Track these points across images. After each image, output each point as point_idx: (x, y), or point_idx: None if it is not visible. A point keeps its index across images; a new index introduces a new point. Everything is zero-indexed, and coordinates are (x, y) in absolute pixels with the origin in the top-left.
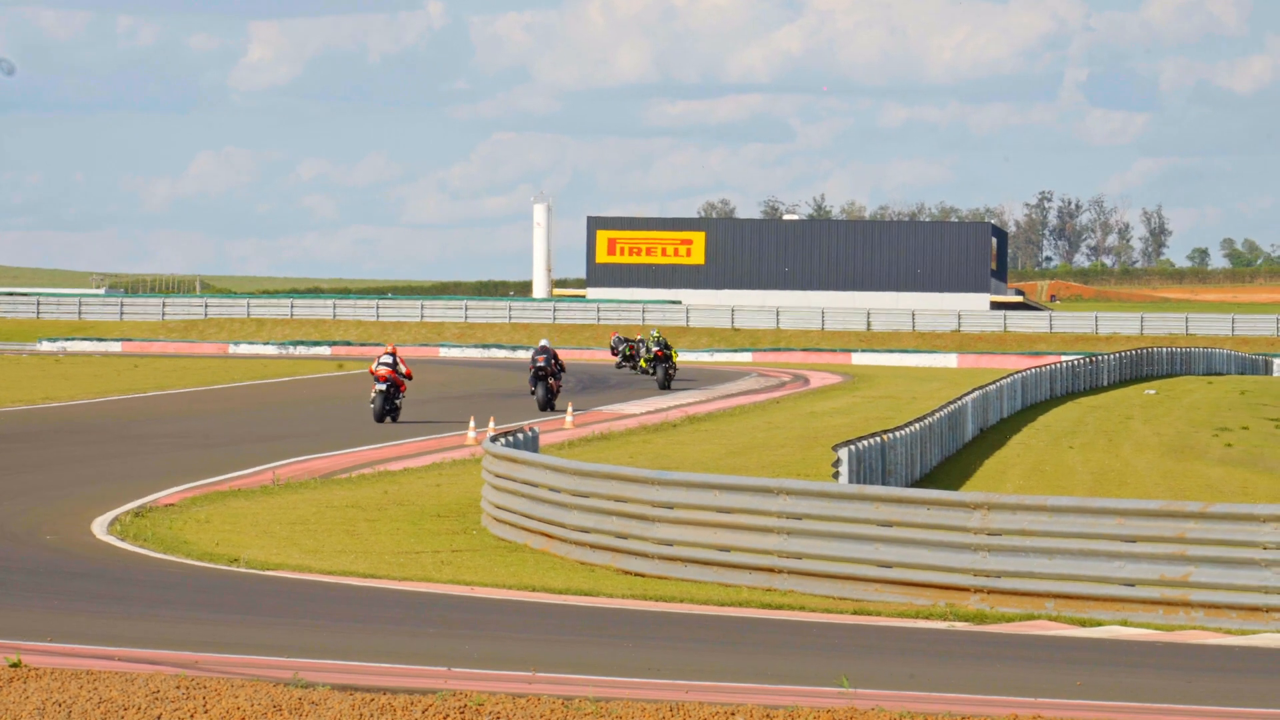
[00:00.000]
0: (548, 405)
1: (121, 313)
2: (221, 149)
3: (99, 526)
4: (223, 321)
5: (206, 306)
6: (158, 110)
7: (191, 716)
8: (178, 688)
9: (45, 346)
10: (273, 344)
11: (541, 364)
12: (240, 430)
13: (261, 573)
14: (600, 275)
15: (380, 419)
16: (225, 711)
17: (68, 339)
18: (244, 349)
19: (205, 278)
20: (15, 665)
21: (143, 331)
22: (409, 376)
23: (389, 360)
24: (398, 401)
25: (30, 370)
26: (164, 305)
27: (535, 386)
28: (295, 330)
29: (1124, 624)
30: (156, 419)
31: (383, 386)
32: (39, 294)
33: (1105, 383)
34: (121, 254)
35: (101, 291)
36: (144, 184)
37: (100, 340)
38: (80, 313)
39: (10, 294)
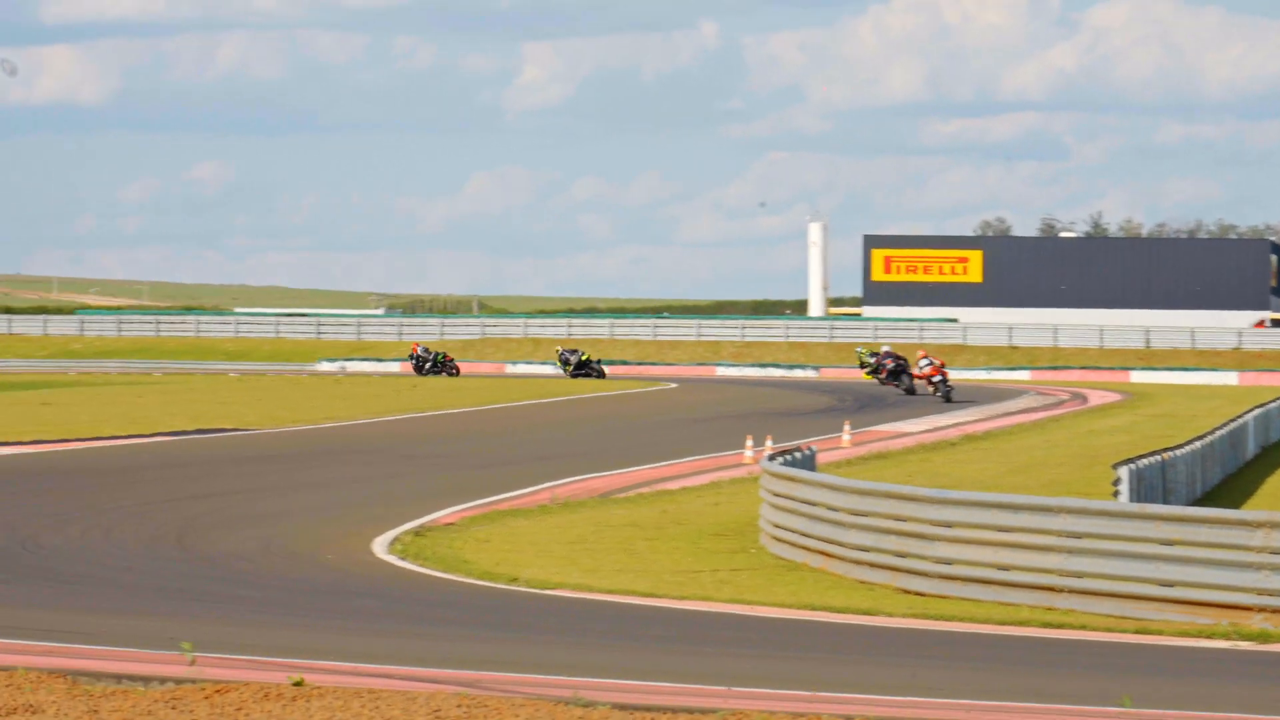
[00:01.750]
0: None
1: (400, 333)
2: (497, 169)
3: (379, 546)
4: (499, 341)
5: (484, 326)
6: (434, 131)
7: None
8: (459, 706)
9: (325, 367)
10: (550, 363)
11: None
12: (518, 450)
13: (541, 592)
14: (876, 293)
15: None
16: None
17: (347, 359)
18: (521, 368)
19: (482, 298)
20: (298, 684)
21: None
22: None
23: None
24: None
25: (311, 390)
26: (442, 325)
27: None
28: (564, 348)
29: None
30: (435, 439)
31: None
32: (319, 314)
33: None
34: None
35: (380, 312)
36: (420, 204)
37: (379, 360)
38: (359, 333)
39: (290, 315)
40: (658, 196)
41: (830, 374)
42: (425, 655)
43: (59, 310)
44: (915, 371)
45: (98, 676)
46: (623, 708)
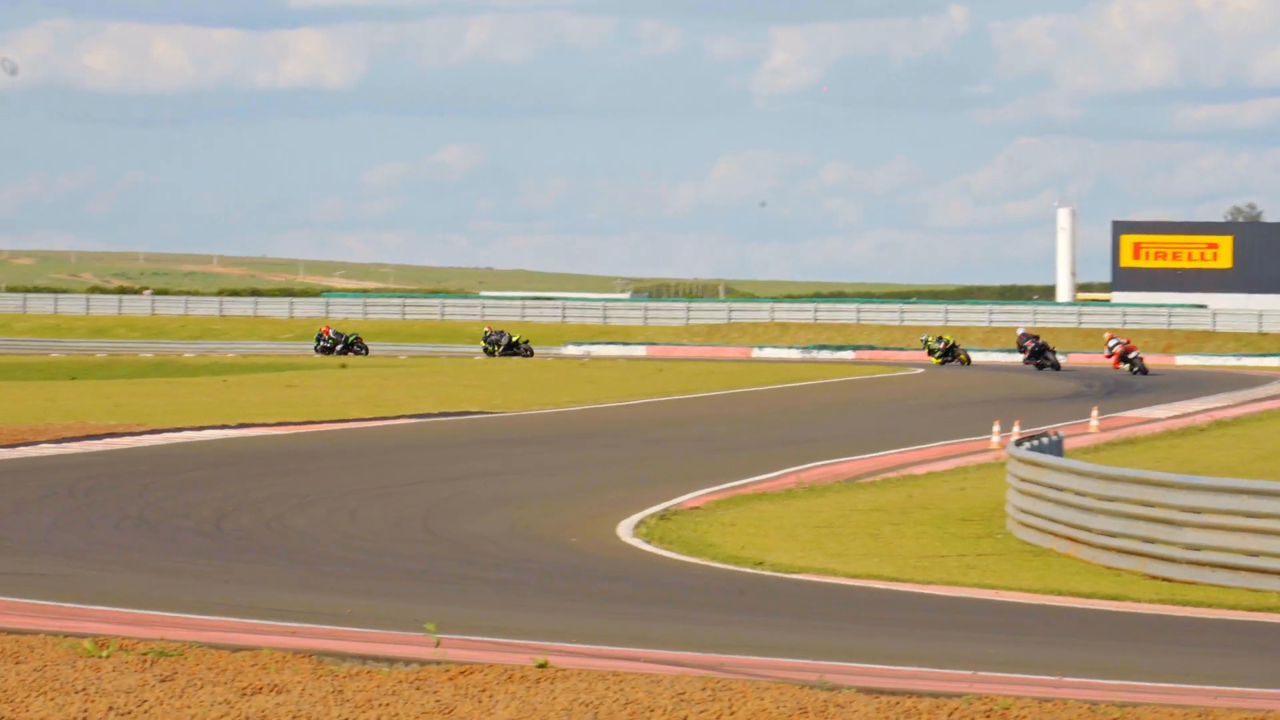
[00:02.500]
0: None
1: (645, 317)
2: (744, 152)
3: (624, 529)
4: (746, 325)
5: (730, 311)
6: (681, 115)
7: (717, 718)
8: (703, 689)
9: (570, 350)
10: (796, 348)
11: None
12: (764, 434)
13: (786, 576)
14: (1125, 279)
15: None
16: (751, 714)
17: (592, 343)
18: (767, 353)
19: (728, 282)
20: (542, 666)
21: (666, 335)
22: None
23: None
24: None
25: (556, 374)
26: (688, 309)
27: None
28: (818, 334)
29: None
30: (680, 423)
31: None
32: (564, 298)
33: None
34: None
35: (626, 295)
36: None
37: (624, 344)
38: (605, 316)
39: (536, 298)
40: (905, 181)
41: (1077, 360)
42: (670, 638)
43: (305, 293)
44: (1105, 353)
45: (343, 657)
46: (868, 691)
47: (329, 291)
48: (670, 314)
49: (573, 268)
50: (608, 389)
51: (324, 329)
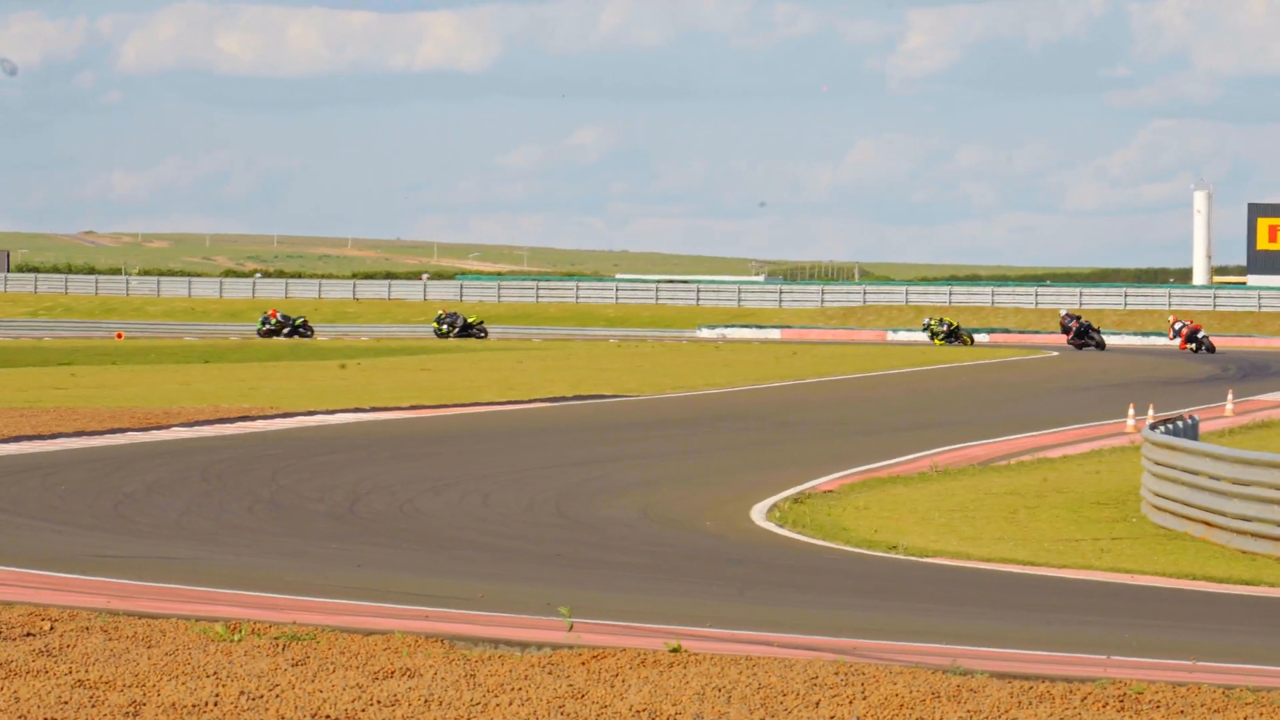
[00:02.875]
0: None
1: (780, 300)
2: (881, 136)
3: (758, 513)
4: (881, 309)
5: (865, 293)
6: (817, 98)
7: (850, 702)
8: (836, 674)
9: (705, 333)
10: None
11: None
12: (897, 417)
13: (919, 559)
14: (1261, 262)
15: None
16: (884, 698)
17: (727, 326)
18: (902, 336)
19: (864, 265)
20: (675, 650)
21: (801, 319)
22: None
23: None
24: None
25: (691, 357)
26: (823, 292)
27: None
28: (953, 317)
29: None
30: (814, 406)
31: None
32: (699, 281)
33: None
34: (780, 240)
35: (761, 279)
36: (804, 171)
37: (759, 327)
38: (739, 300)
39: (671, 281)
40: (1042, 164)
41: (1214, 343)
42: (802, 622)
43: (439, 275)
44: (1169, 335)
45: (475, 641)
46: (1001, 676)
47: (463, 274)
48: (805, 297)
49: (708, 250)
50: (742, 372)
51: (272, 312)
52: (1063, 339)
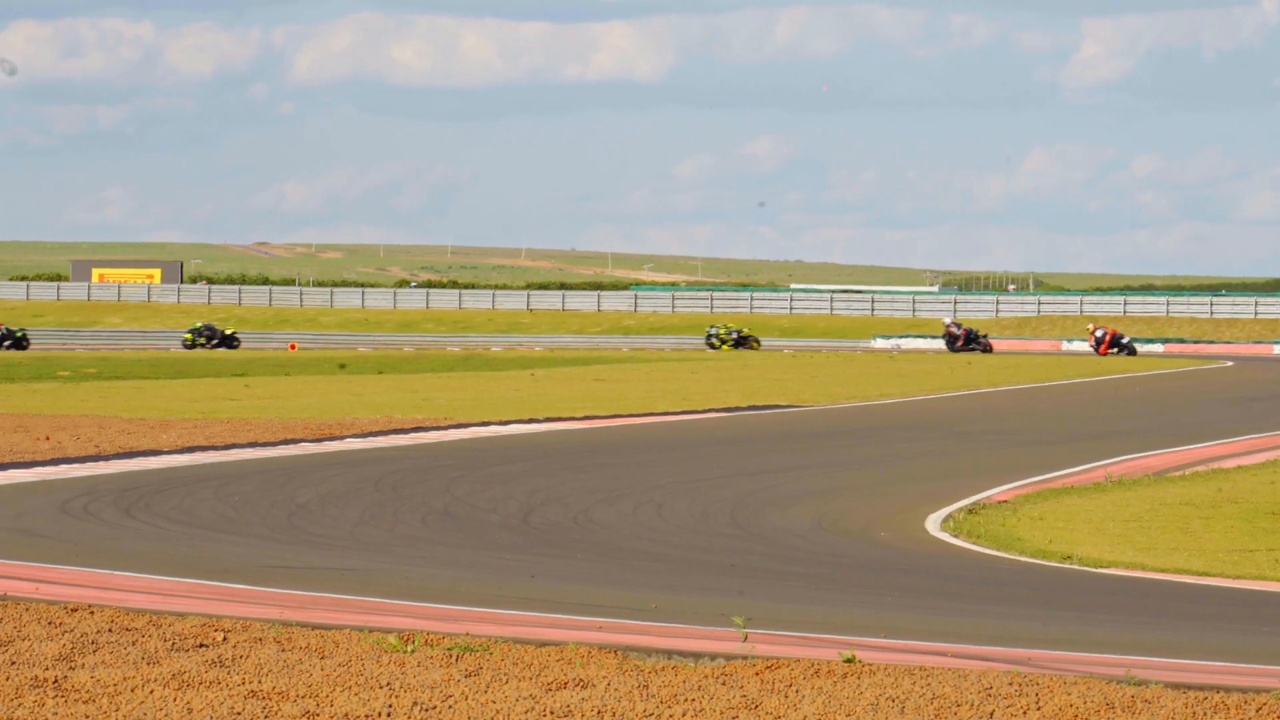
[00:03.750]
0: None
1: (955, 310)
2: (1054, 145)
3: (932, 523)
4: (1055, 318)
5: (1039, 304)
6: (990, 107)
7: (1024, 713)
8: (1010, 684)
9: (879, 344)
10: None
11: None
12: (1071, 427)
13: (1094, 570)
14: None
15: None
16: (1058, 708)
17: (901, 336)
18: (1076, 346)
19: (1038, 274)
20: (849, 660)
21: (975, 328)
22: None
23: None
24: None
25: (864, 367)
26: (997, 302)
27: None
28: (1127, 327)
29: None
30: (988, 416)
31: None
32: (873, 291)
33: None
34: (954, 250)
35: (935, 289)
36: (977, 180)
37: (934, 338)
38: (914, 310)
39: (845, 291)
40: (1216, 174)
41: None
42: (977, 633)
43: (613, 286)
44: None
45: (648, 652)
46: (1175, 686)
47: (637, 285)
48: (979, 307)
49: (882, 260)
50: (916, 382)
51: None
52: (1237, 349)
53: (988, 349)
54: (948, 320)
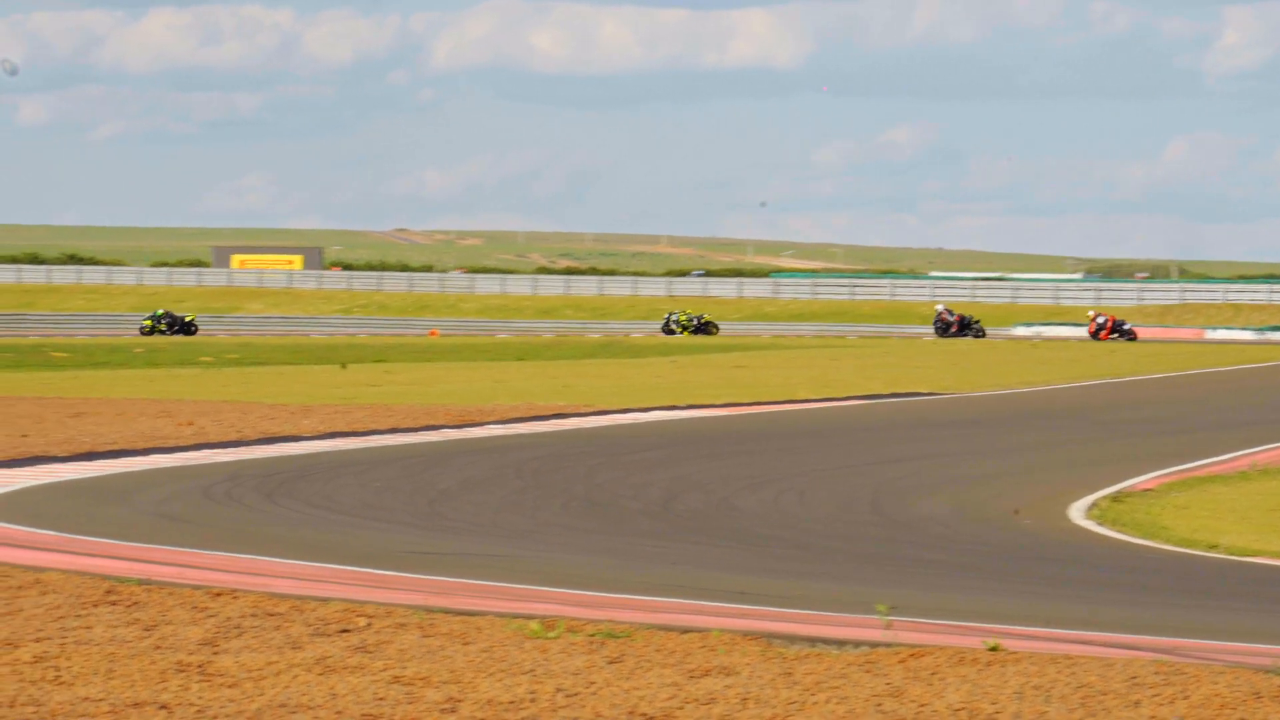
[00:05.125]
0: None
1: (1097, 297)
2: (1194, 133)
3: (1076, 511)
4: (1199, 307)
5: (1183, 292)
6: (1131, 95)
7: (1171, 702)
8: (1156, 673)
9: (1020, 331)
10: (1249, 329)
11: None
12: (1216, 416)
13: (1240, 559)
14: None
15: None
16: (1205, 698)
17: (1043, 324)
18: (1220, 334)
19: (1181, 263)
20: (994, 649)
21: (1118, 317)
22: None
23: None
24: None
25: (1006, 355)
26: (1140, 290)
27: None
28: (1273, 316)
29: None
30: (1130, 404)
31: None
32: (1014, 279)
33: None
34: (1096, 238)
35: (1078, 276)
36: (1117, 169)
37: (1075, 325)
38: (1056, 298)
39: (986, 279)
40: None
41: None
42: (1122, 621)
43: (754, 273)
44: (1091, 326)
45: (791, 639)
46: None
47: (777, 272)
48: (1122, 295)
49: (1023, 248)
50: (1059, 370)
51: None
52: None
53: (980, 334)
54: (940, 307)
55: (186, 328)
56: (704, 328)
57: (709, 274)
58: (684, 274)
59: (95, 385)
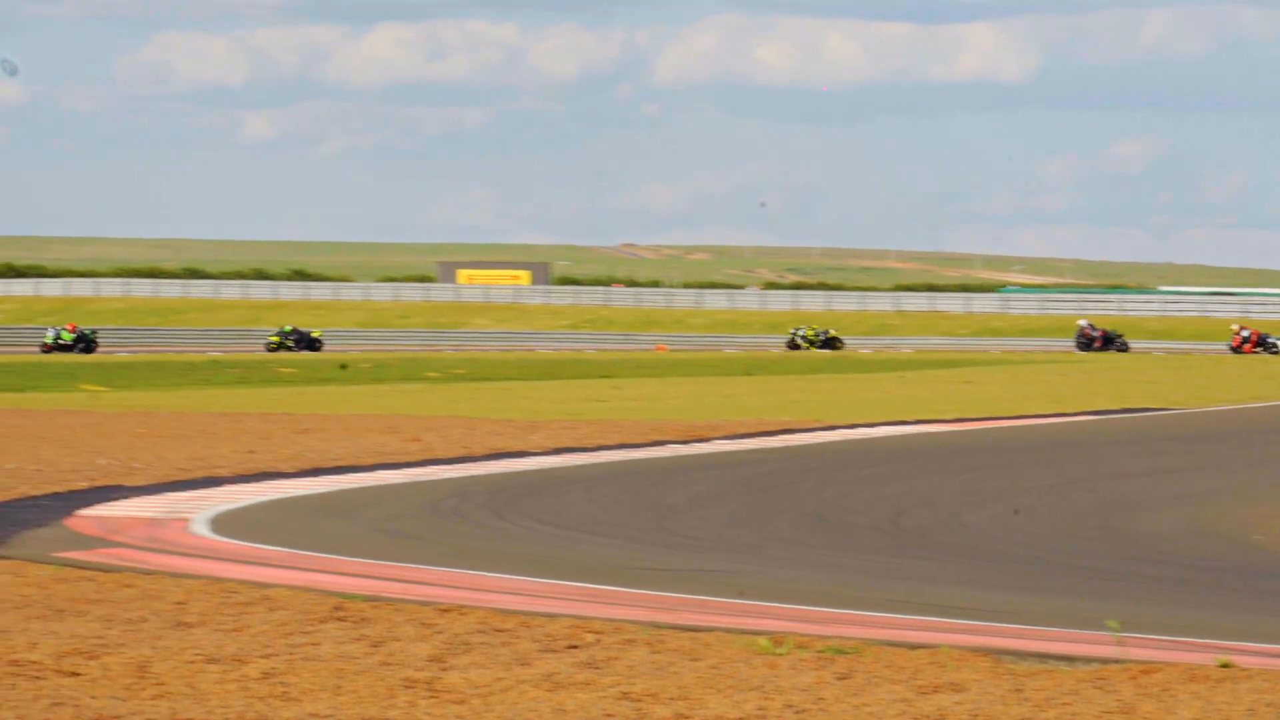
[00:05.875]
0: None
1: None
2: None
3: None
4: None
5: None
6: None
7: None
8: None
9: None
10: None
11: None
12: None
13: None
14: None
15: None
16: None
17: (1278, 338)
18: None
19: None
20: (1225, 666)
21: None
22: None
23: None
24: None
25: (1238, 369)
26: None
27: None
28: None
29: None
30: None
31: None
32: (1246, 293)
33: None
34: None
35: None
36: None
37: None
38: None
39: (1216, 293)
40: None
41: None
42: None
43: (981, 288)
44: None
45: (1021, 655)
46: None
47: (1005, 287)
48: None
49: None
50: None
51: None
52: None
53: (1124, 348)
54: (1083, 323)
55: (313, 344)
56: (830, 343)
57: (933, 289)
58: (910, 289)
59: (322, 401)
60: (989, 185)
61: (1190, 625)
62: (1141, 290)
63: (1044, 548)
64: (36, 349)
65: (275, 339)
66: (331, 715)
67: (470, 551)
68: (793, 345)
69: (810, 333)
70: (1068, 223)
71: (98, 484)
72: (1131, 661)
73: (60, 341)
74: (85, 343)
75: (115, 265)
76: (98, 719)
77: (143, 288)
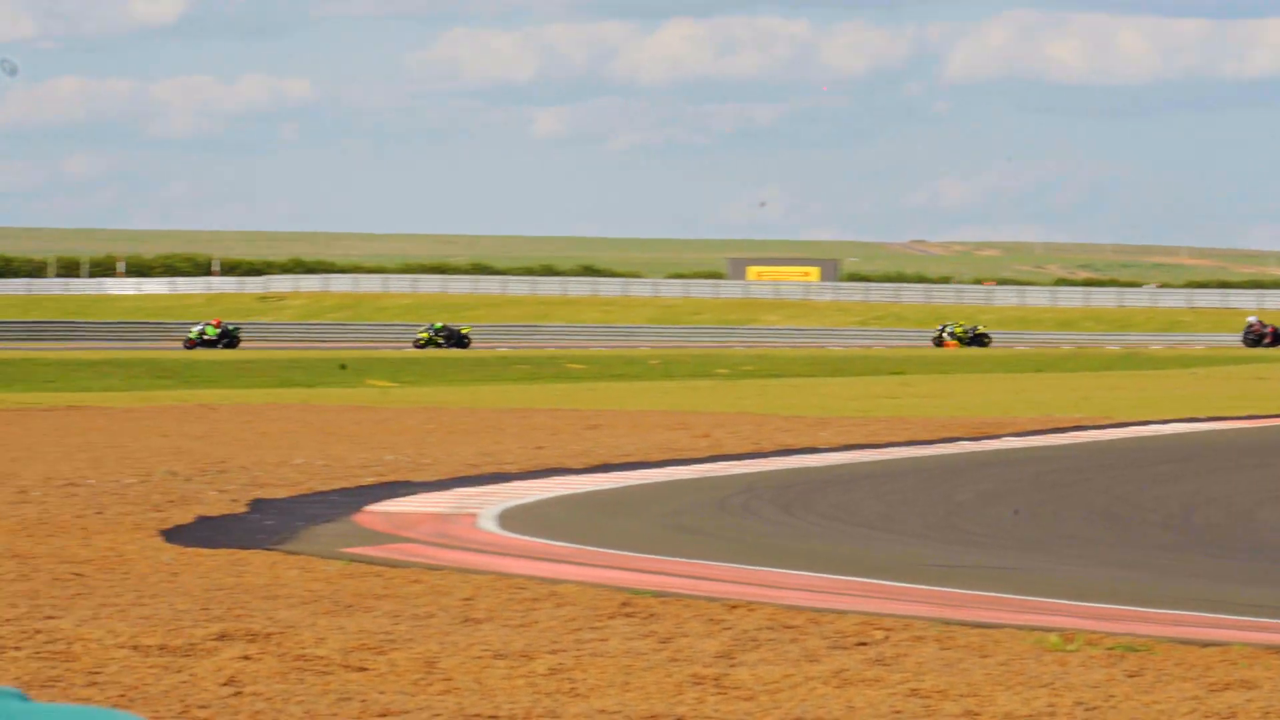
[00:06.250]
0: None
1: None
2: None
3: None
4: None
5: None
6: None
7: None
8: None
9: None
10: None
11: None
12: None
13: None
14: None
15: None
16: None
17: None
18: None
19: None
20: None
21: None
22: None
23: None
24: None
25: None
26: None
27: None
28: None
29: None
30: None
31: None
32: None
33: None
34: None
35: None
36: None
37: None
38: None
39: None
40: None
41: None
42: None
43: (1274, 285)
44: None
45: None
46: None
47: None
48: None
49: None
50: None
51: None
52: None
53: None
54: (1252, 319)
55: (461, 340)
56: (978, 339)
57: (1226, 286)
58: (1204, 286)
59: (611, 397)
60: None
61: None
62: None
63: None
64: (182, 345)
65: (424, 335)
66: (619, 711)
67: (758, 547)
68: (939, 342)
69: (959, 329)
70: None
71: (386, 479)
72: None
73: (205, 337)
74: (229, 338)
75: (403, 261)
76: (385, 714)
77: (430, 284)
